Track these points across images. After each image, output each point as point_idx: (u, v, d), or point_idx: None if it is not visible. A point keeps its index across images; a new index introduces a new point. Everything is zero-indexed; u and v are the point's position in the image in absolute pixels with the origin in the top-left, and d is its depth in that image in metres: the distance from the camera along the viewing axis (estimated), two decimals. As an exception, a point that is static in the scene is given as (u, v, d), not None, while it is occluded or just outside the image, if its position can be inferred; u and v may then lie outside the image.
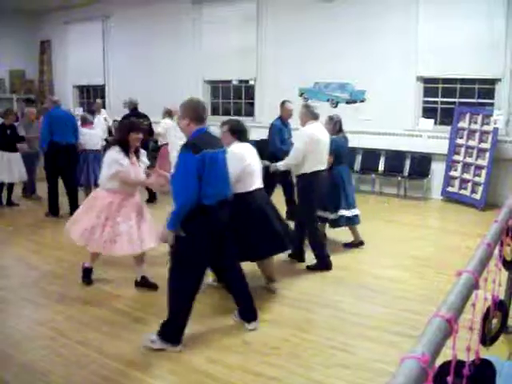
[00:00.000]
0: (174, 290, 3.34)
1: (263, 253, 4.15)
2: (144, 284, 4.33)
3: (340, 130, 5.52)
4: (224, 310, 3.95)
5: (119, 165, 4.02)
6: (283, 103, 6.44)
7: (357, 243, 5.63)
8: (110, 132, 9.73)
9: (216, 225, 3.31)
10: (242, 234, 3.79)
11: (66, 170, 6.76)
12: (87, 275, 4.49)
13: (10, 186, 7.41)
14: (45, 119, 6.70)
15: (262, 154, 5.51)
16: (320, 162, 4.82)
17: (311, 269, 4.90)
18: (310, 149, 4.69)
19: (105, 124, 9.51)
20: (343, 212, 5.40)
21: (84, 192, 7.20)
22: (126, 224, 4.07)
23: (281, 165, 5.00)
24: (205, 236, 3.25)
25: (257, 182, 4.06)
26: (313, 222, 4.94)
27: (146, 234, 4.16)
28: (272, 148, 6.09)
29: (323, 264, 4.89)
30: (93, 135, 7.15)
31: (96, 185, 6.89)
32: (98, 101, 10.23)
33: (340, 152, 5.35)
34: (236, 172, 3.78)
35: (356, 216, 5.53)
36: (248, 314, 3.69)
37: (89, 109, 10.96)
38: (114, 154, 4.06)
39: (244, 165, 3.91)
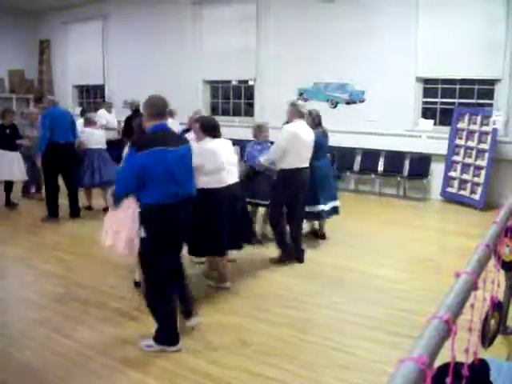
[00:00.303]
0: (149, 293, 3.35)
1: (219, 250, 4.22)
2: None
3: (319, 125, 5.57)
4: (223, 310, 3.96)
5: None
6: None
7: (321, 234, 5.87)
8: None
9: (173, 224, 3.26)
10: (201, 229, 3.88)
11: (67, 169, 6.68)
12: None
13: (10, 186, 7.39)
14: (43, 119, 6.64)
15: None
16: (300, 159, 4.88)
17: (274, 262, 5.03)
18: (290, 146, 4.75)
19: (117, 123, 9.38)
20: (322, 206, 5.52)
21: (85, 193, 7.19)
22: None
23: (263, 159, 5.09)
24: (162, 236, 3.24)
25: (230, 179, 4.12)
26: (279, 215, 5.01)
27: None
28: None
29: (287, 256, 5.04)
30: (95, 134, 7.12)
31: (101, 184, 6.89)
32: (108, 101, 9.93)
33: (317, 145, 5.27)
34: (204, 167, 3.85)
35: (336, 208, 5.73)
36: (190, 308, 3.61)
37: (85, 109, 10.85)
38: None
39: (214, 161, 3.96)
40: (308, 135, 4.95)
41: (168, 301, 3.32)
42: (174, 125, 8.34)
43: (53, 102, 6.95)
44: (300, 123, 4.91)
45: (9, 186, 7.37)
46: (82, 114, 9.64)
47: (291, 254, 5.08)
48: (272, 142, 5.15)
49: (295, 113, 4.91)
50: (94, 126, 7.26)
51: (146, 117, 3.28)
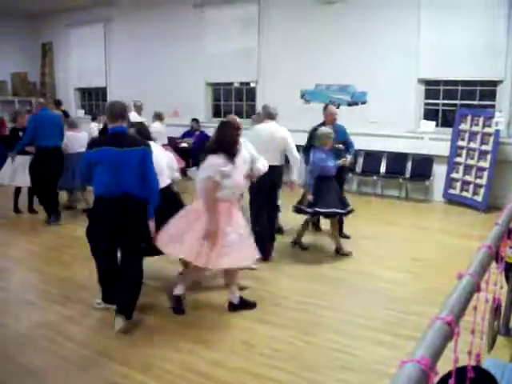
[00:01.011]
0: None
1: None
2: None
3: None
4: (225, 313, 3.95)
5: (215, 173, 3.72)
6: (326, 107, 6.05)
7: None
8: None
9: (106, 214, 3.67)
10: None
11: (54, 173, 6.57)
12: (178, 304, 3.97)
13: (31, 192, 7.10)
14: (30, 121, 6.56)
15: None
16: (268, 158, 4.91)
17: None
18: (256, 146, 4.86)
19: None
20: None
21: (68, 193, 7.20)
22: (235, 234, 3.76)
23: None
24: (96, 222, 3.80)
25: (162, 181, 4.08)
26: (256, 212, 5.11)
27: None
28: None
29: (265, 254, 5.06)
30: (77, 138, 7.06)
31: (81, 186, 6.83)
32: (138, 103, 9.13)
33: None
34: None
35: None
36: (120, 306, 3.68)
37: (94, 112, 10.80)
38: (216, 161, 3.74)
39: None
40: (277, 134, 5.13)
41: (100, 272, 3.88)
42: (162, 128, 8.39)
43: (41, 104, 6.89)
44: (268, 124, 5.20)
45: (19, 192, 7.16)
46: (94, 118, 9.57)
47: (269, 252, 5.19)
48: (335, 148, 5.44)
49: (264, 114, 5.33)
50: (76, 129, 7.21)
51: (107, 120, 3.84)
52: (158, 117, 8.56)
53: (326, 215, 5.34)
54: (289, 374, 3.05)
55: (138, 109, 9.03)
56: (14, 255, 5.46)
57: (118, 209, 3.63)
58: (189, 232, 3.74)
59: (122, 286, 3.71)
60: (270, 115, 5.25)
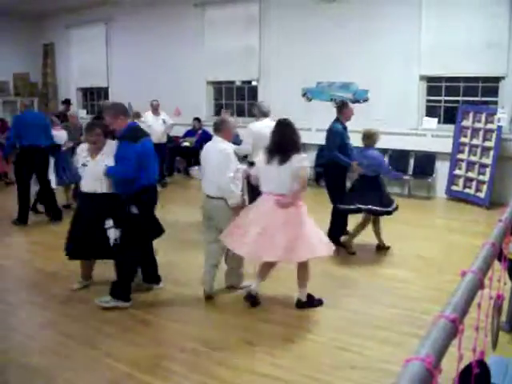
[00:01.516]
0: (126, 257, 3.97)
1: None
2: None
3: None
4: (229, 312, 3.95)
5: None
6: (346, 104, 6.00)
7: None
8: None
9: (155, 203, 4.11)
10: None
11: (40, 173, 6.54)
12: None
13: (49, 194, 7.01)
14: (13, 122, 6.58)
15: None
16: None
17: None
18: (257, 142, 4.97)
19: (163, 126, 9.07)
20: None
21: (63, 190, 7.21)
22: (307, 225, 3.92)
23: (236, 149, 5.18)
24: (149, 212, 4.05)
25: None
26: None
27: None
28: (327, 153, 5.91)
29: None
30: (58, 136, 7.02)
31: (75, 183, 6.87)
32: (155, 102, 9.18)
33: None
34: None
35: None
36: (155, 275, 4.37)
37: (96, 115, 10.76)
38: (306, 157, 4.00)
39: None
40: (269, 132, 5.17)
41: (134, 269, 4.07)
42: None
43: (25, 106, 6.91)
44: (264, 122, 5.33)
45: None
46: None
47: None
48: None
49: (258, 112, 5.51)
50: (57, 127, 7.15)
51: (120, 118, 3.89)
52: (136, 115, 8.56)
53: (380, 213, 5.39)
54: (294, 373, 3.06)
55: (155, 108, 9.10)
56: (16, 255, 5.47)
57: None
58: (277, 236, 3.72)
59: (152, 263, 4.31)
60: (263, 113, 5.46)
